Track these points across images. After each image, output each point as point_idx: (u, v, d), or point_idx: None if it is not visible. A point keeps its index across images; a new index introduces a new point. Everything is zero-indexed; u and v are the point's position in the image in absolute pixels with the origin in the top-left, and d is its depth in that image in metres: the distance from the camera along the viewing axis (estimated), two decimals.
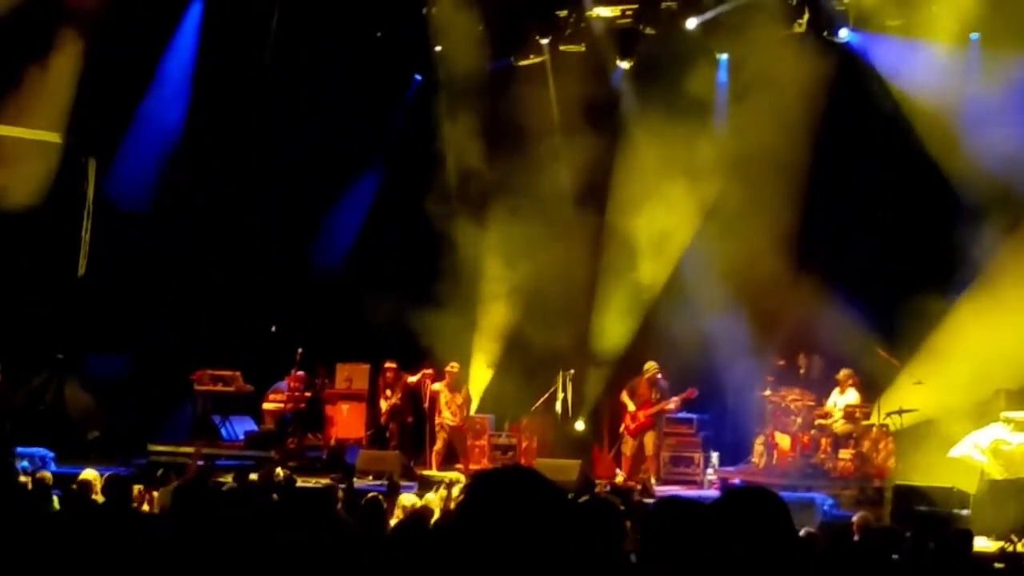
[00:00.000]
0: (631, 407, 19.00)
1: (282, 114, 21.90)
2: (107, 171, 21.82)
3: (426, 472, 18.27)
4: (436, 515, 12.70)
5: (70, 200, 21.44)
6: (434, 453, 19.51)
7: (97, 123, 21.28)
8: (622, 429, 19.19)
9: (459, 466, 19.22)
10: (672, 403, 18.87)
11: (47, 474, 13.07)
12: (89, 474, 12.64)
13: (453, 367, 19.74)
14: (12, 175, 20.43)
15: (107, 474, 12.09)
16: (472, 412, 20.28)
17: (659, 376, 18.94)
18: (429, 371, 19.92)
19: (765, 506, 3.63)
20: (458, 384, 19.74)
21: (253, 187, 22.01)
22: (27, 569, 7.17)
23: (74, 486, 12.46)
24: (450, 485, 14.25)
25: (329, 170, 22.78)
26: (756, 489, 3.80)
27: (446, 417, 19.55)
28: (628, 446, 19.06)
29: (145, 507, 12.93)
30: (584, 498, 5.91)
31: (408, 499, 13.18)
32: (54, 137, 21.10)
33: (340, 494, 12.98)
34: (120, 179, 21.72)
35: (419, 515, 11.82)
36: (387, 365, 20.17)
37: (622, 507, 5.81)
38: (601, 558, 4.19)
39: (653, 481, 18.61)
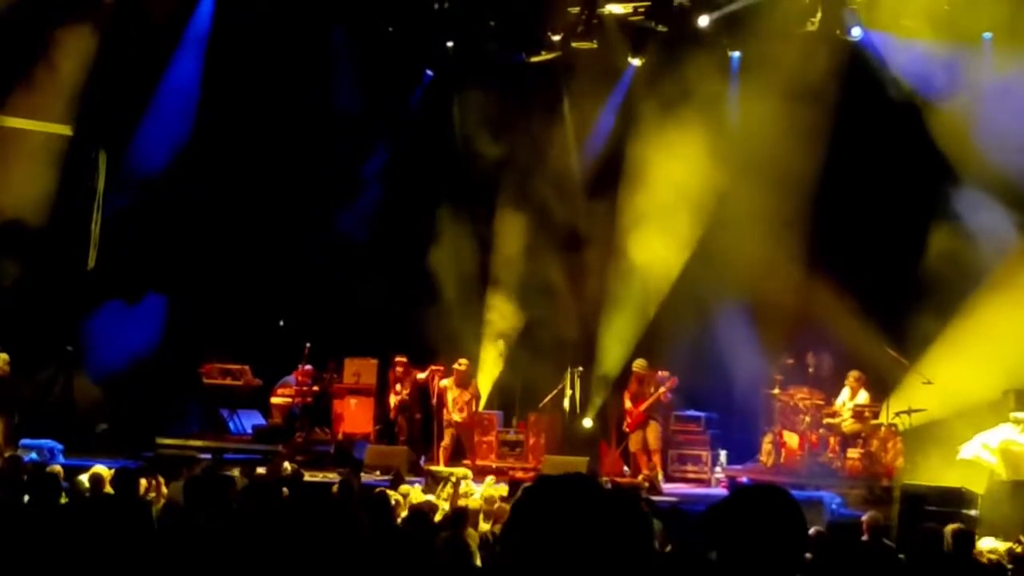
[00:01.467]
0: (628, 405, 19.10)
1: (292, 109, 21.87)
2: (118, 164, 21.81)
3: (433, 467, 18.25)
4: (440, 513, 12.70)
5: (80, 192, 21.45)
6: (442, 448, 19.52)
7: (108, 115, 21.28)
8: (624, 427, 19.27)
9: (466, 462, 19.21)
10: (660, 393, 18.90)
11: (57, 468, 13.07)
12: (99, 469, 12.68)
13: (461, 364, 19.73)
14: (23, 167, 20.46)
15: (111, 467, 12.15)
16: (480, 408, 20.26)
17: (650, 372, 19.00)
18: (438, 367, 19.93)
19: (775, 504, 3.61)
20: (466, 381, 19.73)
21: (262, 183, 21.98)
22: (36, 561, 7.19)
23: (84, 480, 12.49)
24: (456, 483, 14.21)
25: (338, 165, 22.77)
26: (766, 487, 3.77)
27: (453, 414, 19.55)
28: (632, 442, 19.14)
29: (151, 495, 12.94)
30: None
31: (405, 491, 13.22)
32: (65, 130, 21.10)
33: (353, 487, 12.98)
34: (131, 171, 21.71)
35: (421, 511, 11.81)
36: (397, 360, 20.17)
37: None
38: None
39: (661, 478, 18.62)
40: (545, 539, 3.03)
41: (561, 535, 3.03)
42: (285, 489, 12.17)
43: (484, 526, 12.03)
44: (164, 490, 13.09)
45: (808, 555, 9.02)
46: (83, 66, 20.76)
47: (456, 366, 19.70)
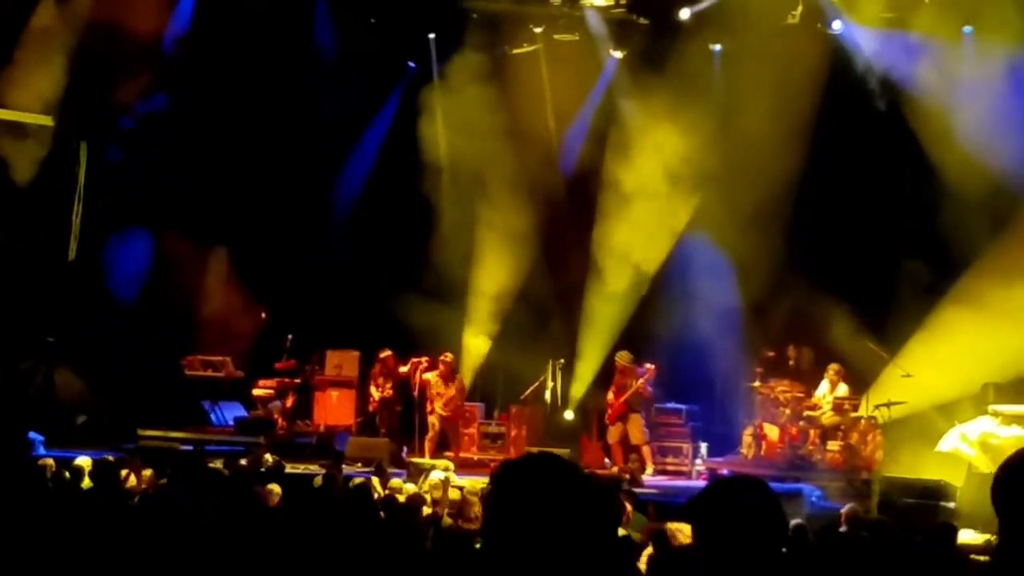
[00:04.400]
0: (610, 397, 19.13)
1: (275, 101, 21.81)
2: (99, 155, 21.76)
3: (416, 460, 18.26)
4: (428, 508, 12.75)
5: (61, 183, 21.38)
6: (427, 441, 19.47)
7: (90, 106, 21.20)
8: (606, 419, 19.29)
9: (449, 454, 19.21)
10: (638, 385, 18.91)
11: (49, 460, 13.12)
12: (82, 460, 12.74)
13: (447, 357, 19.66)
14: (4, 157, 20.43)
15: (93, 458, 12.20)
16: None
17: (631, 365, 19.00)
18: (419, 360, 19.87)
19: (754, 495, 3.64)
20: (451, 375, 19.67)
21: (244, 175, 21.92)
22: (15, 552, 7.19)
23: (66, 472, 12.52)
24: (446, 481, 14.19)
25: (320, 158, 22.71)
26: (745, 478, 3.79)
27: (437, 407, 19.48)
28: (611, 434, 19.16)
29: (132, 481, 12.98)
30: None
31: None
32: (46, 120, 21.02)
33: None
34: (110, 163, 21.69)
35: (411, 503, 11.86)
36: (384, 354, 20.08)
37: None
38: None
39: (649, 471, 18.64)
40: (518, 521, 3.07)
41: (534, 515, 3.06)
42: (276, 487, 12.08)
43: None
44: (145, 475, 13.11)
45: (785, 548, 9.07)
46: (65, 56, 20.68)
47: (442, 359, 19.61)
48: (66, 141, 21.39)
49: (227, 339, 21.92)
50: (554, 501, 3.09)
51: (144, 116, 21.67)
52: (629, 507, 12.43)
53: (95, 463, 12.47)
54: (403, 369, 19.89)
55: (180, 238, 21.41)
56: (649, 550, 9.62)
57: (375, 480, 14.95)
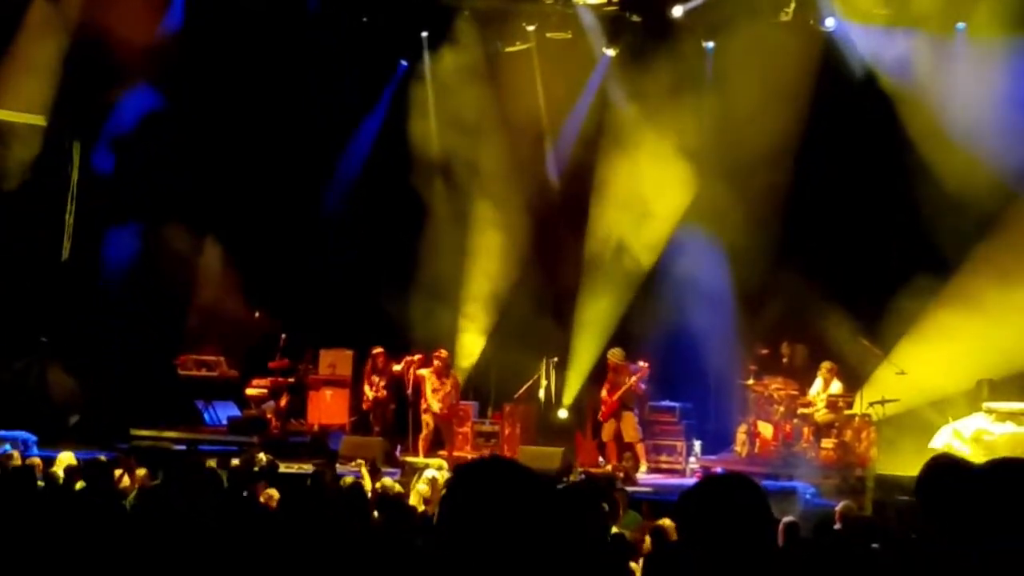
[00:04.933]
0: (603, 394, 19.14)
1: (265, 101, 21.76)
2: (92, 154, 21.73)
3: (410, 458, 18.24)
4: (421, 505, 12.72)
5: (54, 183, 21.34)
6: (421, 439, 19.44)
7: (83, 106, 21.17)
8: (599, 416, 19.29)
9: (443, 453, 19.19)
10: (631, 383, 18.92)
11: (36, 460, 13.10)
12: (67, 457, 12.71)
13: (442, 354, 19.62)
14: None
15: (86, 458, 12.17)
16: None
17: (624, 363, 19.00)
18: (413, 358, 19.86)
19: (741, 491, 3.64)
20: (446, 371, 19.63)
21: (236, 175, 21.87)
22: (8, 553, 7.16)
23: (57, 471, 12.50)
24: (433, 479, 14.18)
25: (312, 157, 22.66)
26: (732, 475, 3.80)
27: (432, 404, 19.45)
28: (604, 432, 19.17)
29: (126, 481, 12.95)
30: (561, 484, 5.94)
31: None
32: (39, 120, 20.98)
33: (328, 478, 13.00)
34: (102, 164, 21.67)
35: (398, 501, 11.83)
36: (376, 351, 20.09)
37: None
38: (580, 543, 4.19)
39: (644, 468, 18.65)
40: (474, 524, 3.07)
41: (485, 518, 3.07)
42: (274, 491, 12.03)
43: None
44: (139, 473, 13.08)
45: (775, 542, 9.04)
46: (57, 55, 20.65)
47: (436, 355, 19.57)
48: (59, 140, 21.36)
49: (221, 338, 21.91)
50: (503, 506, 3.10)
51: (137, 114, 21.62)
52: (623, 505, 12.42)
53: (84, 462, 12.44)
54: (397, 367, 19.89)
55: (174, 236, 21.40)
56: (647, 547, 9.62)
57: (362, 467, 15.02)
